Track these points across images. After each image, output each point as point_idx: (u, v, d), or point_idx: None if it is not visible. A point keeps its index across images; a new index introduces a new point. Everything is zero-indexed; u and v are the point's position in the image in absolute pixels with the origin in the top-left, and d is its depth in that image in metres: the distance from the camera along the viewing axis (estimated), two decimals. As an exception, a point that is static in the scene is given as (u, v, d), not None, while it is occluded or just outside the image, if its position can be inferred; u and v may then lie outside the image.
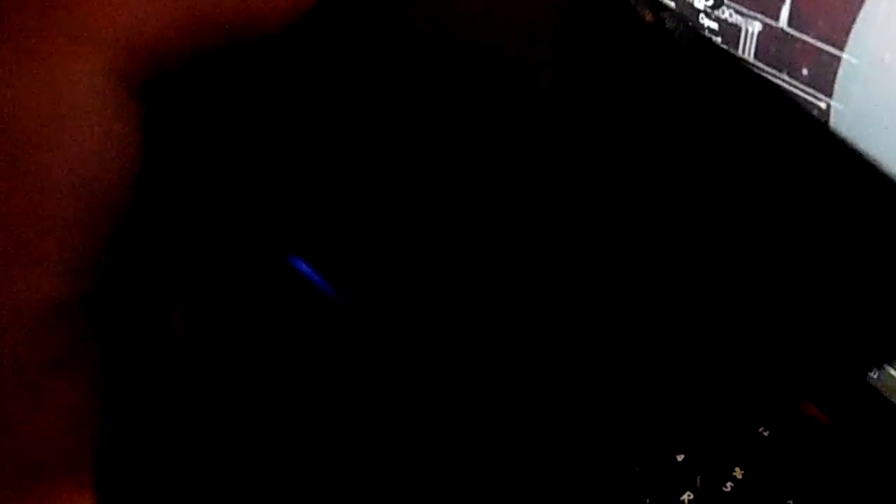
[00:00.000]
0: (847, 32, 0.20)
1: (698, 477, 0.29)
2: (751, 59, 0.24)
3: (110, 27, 0.10)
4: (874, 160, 0.14)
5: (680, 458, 0.29)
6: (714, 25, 0.25)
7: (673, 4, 0.27)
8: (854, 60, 0.21)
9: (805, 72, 0.22)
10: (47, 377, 0.11)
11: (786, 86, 0.23)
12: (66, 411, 0.11)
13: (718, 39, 0.25)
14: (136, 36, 0.11)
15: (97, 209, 0.11)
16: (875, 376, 0.26)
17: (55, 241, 0.10)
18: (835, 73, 0.21)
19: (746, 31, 0.24)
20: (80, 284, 0.11)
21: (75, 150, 0.10)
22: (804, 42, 0.22)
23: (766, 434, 0.30)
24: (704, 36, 0.12)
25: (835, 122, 0.22)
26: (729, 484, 0.28)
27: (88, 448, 0.11)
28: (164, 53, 0.11)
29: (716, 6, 0.25)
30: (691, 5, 0.26)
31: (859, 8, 0.20)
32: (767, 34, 0.23)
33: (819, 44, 0.21)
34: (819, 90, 0.22)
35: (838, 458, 0.28)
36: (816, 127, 0.12)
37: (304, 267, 0.11)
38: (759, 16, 0.23)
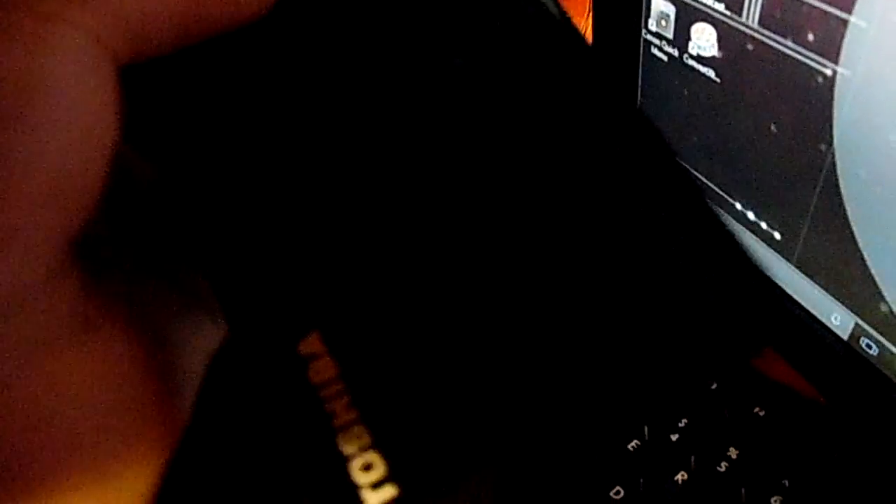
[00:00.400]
0: (856, -6, 0.20)
1: (693, 456, 0.28)
2: (755, 25, 0.24)
3: (104, 3, 0.10)
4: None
5: (674, 437, 0.29)
6: (717, -9, 0.24)
7: (674, -29, 0.26)
8: (863, 24, 0.20)
9: (811, 37, 0.22)
10: (64, 344, 0.10)
11: (790, 52, 0.23)
12: (99, 371, 0.11)
13: (721, 6, 0.24)
14: (120, 7, 0.10)
15: (74, 179, 0.10)
16: (873, 353, 0.26)
17: (26, 214, 0.10)
18: (842, 38, 0.21)
19: (751, -5, 0.23)
20: (56, 255, 0.10)
21: (53, 120, 0.10)
22: (810, 6, 0.21)
23: (761, 414, 0.29)
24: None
25: (840, 89, 0.22)
26: (724, 464, 0.28)
27: (138, 399, 0.11)
28: (149, 29, 0.11)
29: (719, -29, 0.24)
30: (693, -29, 0.25)
31: (869, -31, 0.19)
32: (772, -2, 0.22)
33: (826, 7, 0.21)
34: (825, 56, 0.22)
35: (834, 437, 0.28)
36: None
37: None
38: (764, -21, 0.22)
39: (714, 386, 0.30)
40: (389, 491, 0.10)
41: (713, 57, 0.26)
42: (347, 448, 0.10)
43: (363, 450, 0.10)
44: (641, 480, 0.28)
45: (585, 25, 0.48)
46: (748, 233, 0.29)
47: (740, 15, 0.24)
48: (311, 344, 0.10)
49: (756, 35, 0.24)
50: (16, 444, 0.10)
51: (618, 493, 0.27)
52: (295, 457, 0.10)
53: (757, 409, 0.29)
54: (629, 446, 0.29)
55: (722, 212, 0.30)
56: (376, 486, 0.10)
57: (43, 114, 0.10)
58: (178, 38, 0.11)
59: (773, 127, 0.25)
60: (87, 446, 0.10)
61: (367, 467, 0.10)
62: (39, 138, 0.10)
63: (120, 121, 0.11)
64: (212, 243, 0.11)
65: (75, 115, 0.10)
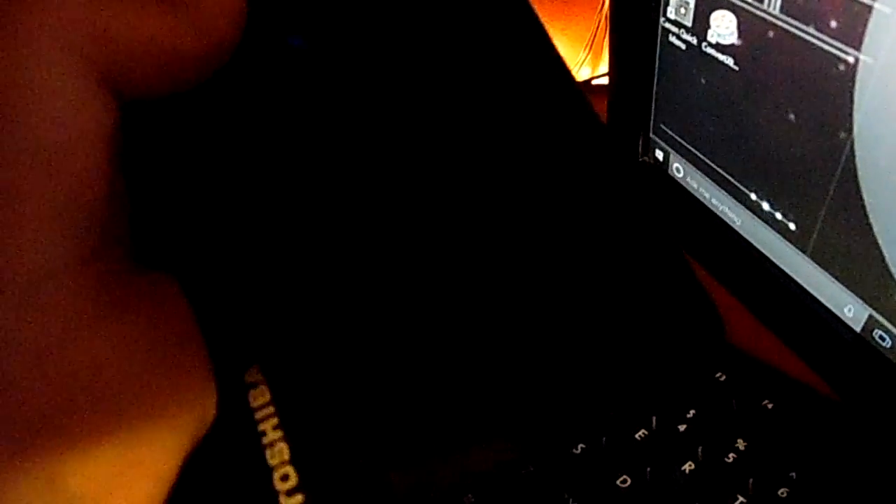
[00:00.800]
0: (881, -20, 0.20)
1: (700, 447, 0.28)
2: (776, 12, 0.23)
3: (81, 20, 0.11)
4: None
5: (682, 428, 0.29)
6: (739, -23, 0.24)
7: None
8: (887, 10, 0.20)
9: (833, 24, 0.22)
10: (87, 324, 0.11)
11: (812, 40, 0.23)
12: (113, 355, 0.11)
13: (742, -7, 0.24)
14: (99, 18, 0.11)
15: (68, 181, 0.11)
16: (887, 345, 0.26)
17: (25, 211, 0.10)
18: (865, 24, 0.21)
19: (773, -19, 0.23)
20: (73, 244, 0.11)
21: (37, 120, 0.10)
22: (834, -8, 0.21)
23: (769, 406, 0.29)
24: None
25: (863, 76, 0.22)
26: (731, 455, 0.28)
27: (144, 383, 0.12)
28: (131, 44, 0.11)
29: (741, -43, 0.24)
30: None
31: (895, -46, 0.19)
32: (796, -16, 0.22)
33: (851, -7, 0.21)
34: (847, 43, 0.22)
35: (843, 430, 0.28)
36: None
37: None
38: (787, -35, 0.22)
39: (722, 377, 0.30)
40: (299, 498, 0.12)
41: (732, 45, 0.26)
42: (272, 461, 0.12)
43: (283, 463, 0.12)
44: (648, 470, 0.28)
45: (599, 17, 0.47)
46: (762, 223, 0.29)
47: (761, 2, 0.24)
48: (253, 374, 0.13)
49: (777, 22, 0.24)
50: (53, 404, 0.11)
51: (624, 481, 0.27)
52: (234, 465, 0.12)
53: (765, 402, 0.29)
54: (637, 436, 0.29)
55: (733, 202, 0.30)
56: (290, 493, 0.12)
57: (23, 110, 0.10)
58: (159, 71, 0.12)
59: (791, 115, 0.25)
60: (124, 407, 0.11)
61: (285, 478, 0.12)
62: (23, 131, 0.10)
63: (110, 125, 0.11)
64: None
65: (56, 114, 0.11)
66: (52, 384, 0.11)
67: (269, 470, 0.12)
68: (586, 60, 0.50)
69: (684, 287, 0.13)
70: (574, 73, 0.51)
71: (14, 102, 0.10)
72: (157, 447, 0.12)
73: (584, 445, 0.28)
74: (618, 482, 0.27)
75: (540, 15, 0.14)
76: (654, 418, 0.29)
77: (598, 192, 0.13)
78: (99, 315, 0.11)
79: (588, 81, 0.49)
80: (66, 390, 0.11)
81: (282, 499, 0.12)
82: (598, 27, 0.48)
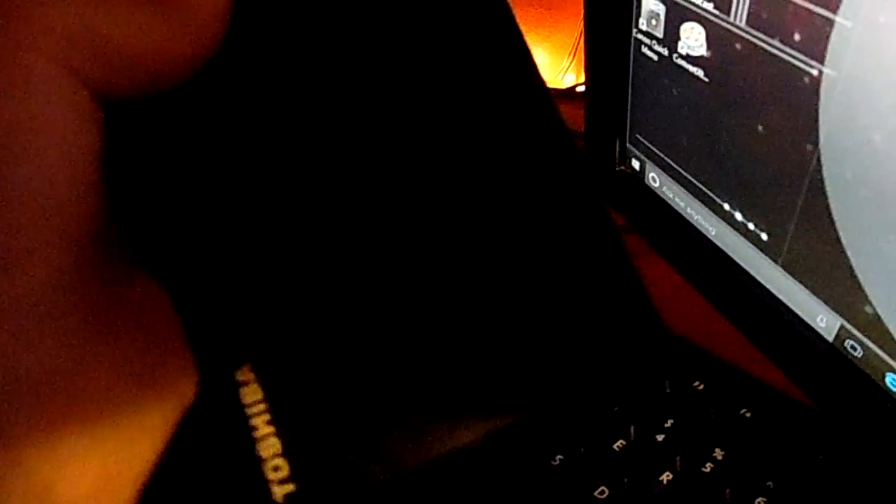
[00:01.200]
0: (841, -6, 0.20)
1: (678, 457, 0.28)
2: (742, 24, 0.23)
3: (67, 29, 0.11)
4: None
5: (660, 437, 0.29)
6: (705, -10, 0.24)
7: (664, -30, 0.26)
8: (848, 23, 0.20)
9: (797, 37, 0.22)
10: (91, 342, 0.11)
11: (777, 52, 0.23)
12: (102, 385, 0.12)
13: (710, 6, 0.24)
14: (92, 35, 0.11)
15: (67, 207, 0.11)
16: (858, 354, 0.26)
17: (26, 242, 0.10)
18: (827, 38, 0.21)
19: (738, -5, 0.23)
20: (71, 265, 0.11)
21: (39, 153, 0.10)
22: (796, 5, 0.21)
23: (747, 416, 0.29)
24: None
25: (826, 89, 0.22)
26: (709, 464, 0.28)
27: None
28: (123, 58, 0.11)
29: (708, -30, 0.24)
30: (683, -30, 0.25)
31: (854, -32, 0.19)
32: (760, -2, 0.22)
33: (811, 6, 0.21)
34: (811, 56, 0.22)
35: (819, 439, 0.28)
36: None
37: None
38: (751, -21, 0.22)
39: (700, 386, 0.30)
40: (290, 486, 0.13)
41: (702, 56, 0.26)
42: (263, 453, 0.13)
43: (275, 456, 0.13)
44: (626, 480, 0.28)
45: (580, 26, 0.48)
46: (735, 233, 0.29)
47: (728, 14, 0.24)
48: (244, 373, 0.13)
49: (744, 35, 0.24)
50: (48, 417, 0.11)
51: (602, 492, 0.27)
52: (225, 456, 0.13)
53: (743, 411, 0.29)
54: (614, 446, 0.29)
55: (708, 211, 0.30)
56: (282, 482, 0.13)
57: (25, 145, 0.10)
58: (147, 74, 0.12)
59: (760, 127, 0.25)
60: (108, 413, 0.12)
61: (276, 468, 0.13)
62: (26, 167, 0.10)
63: (101, 143, 0.11)
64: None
65: (57, 143, 0.11)
66: (49, 402, 0.11)
67: (261, 461, 0.13)
68: (570, 67, 0.51)
69: (617, 284, 0.14)
70: (558, 79, 0.51)
71: (8, 125, 0.10)
72: (140, 448, 0.12)
73: (561, 457, 0.29)
74: (596, 493, 0.27)
75: (524, 22, 0.14)
76: (632, 428, 0.29)
77: (538, 188, 0.14)
78: (86, 331, 0.11)
79: (572, 88, 0.49)
80: (61, 407, 0.11)
81: (274, 487, 0.12)
82: (581, 34, 0.48)
